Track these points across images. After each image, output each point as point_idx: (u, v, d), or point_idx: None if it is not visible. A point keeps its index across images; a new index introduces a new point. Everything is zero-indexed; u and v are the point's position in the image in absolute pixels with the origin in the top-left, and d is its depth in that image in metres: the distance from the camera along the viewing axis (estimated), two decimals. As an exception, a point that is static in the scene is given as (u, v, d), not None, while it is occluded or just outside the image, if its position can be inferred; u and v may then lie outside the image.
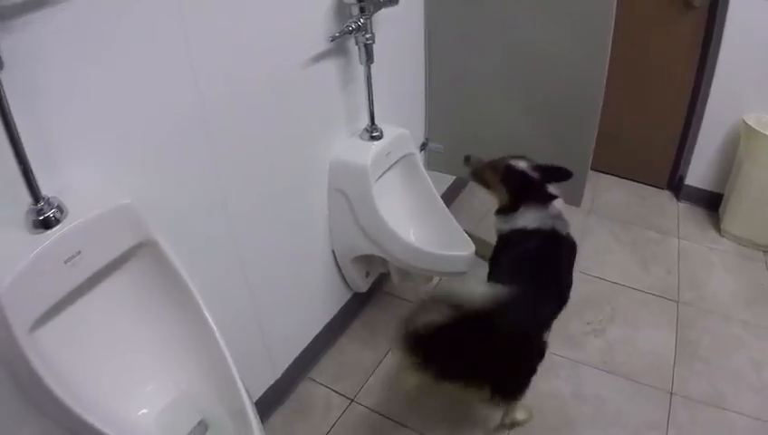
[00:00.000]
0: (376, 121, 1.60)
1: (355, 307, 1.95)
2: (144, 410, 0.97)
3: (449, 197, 2.46)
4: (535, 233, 1.53)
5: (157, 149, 1.06)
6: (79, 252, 0.86)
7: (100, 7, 0.88)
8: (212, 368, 0.96)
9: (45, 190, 0.86)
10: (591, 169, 2.67)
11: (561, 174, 1.58)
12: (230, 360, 0.94)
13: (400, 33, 1.75)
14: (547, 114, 1.83)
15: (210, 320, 0.96)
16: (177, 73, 1.06)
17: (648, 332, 1.91)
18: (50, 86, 0.86)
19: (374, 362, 1.81)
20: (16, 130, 0.78)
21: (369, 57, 1.48)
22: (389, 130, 1.63)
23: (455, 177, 2.39)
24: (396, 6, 1.48)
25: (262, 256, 1.43)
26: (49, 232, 0.84)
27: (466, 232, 1.72)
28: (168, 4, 1.00)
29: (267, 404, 1.59)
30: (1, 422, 0.90)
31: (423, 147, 2.12)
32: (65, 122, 0.90)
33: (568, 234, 1.58)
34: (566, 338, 1.86)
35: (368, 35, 1.43)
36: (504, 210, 1.63)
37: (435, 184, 1.83)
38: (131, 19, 0.94)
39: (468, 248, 1.66)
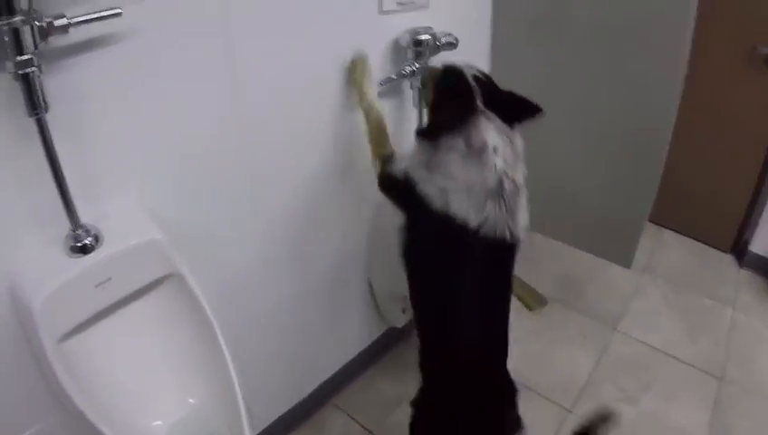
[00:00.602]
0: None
1: (389, 341, 1.82)
2: (158, 422, 0.94)
3: None
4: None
5: (195, 182, 1.03)
6: (109, 278, 0.85)
7: (144, 47, 0.85)
8: (222, 390, 0.91)
9: (86, 216, 0.85)
10: (654, 222, 2.48)
11: (520, 107, 1.02)
12: (237, 386, 0.88)
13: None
14: (609, 161, 1.61)
15: (225, 349, 0.90)
16: (218, 112, 1.02)
17: (683, 407, 1.65)
18: (93, 121, 0.85)
19: (400, 398, 1.63)
20: (59, 165, 0.78)
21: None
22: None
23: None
24: (455, 50, 1.37)
25: (298, 279, 1.36)
26: (85, 258, 0.83)
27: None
28: (213, 47, 0.96)
29: (285, 424, 1.52)
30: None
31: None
32: (107, 154, 0.89)
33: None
34: (596, 401, 1.65)
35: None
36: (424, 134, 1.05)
37: None
38: (175, 58, 0.91)
39: None
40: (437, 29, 1.38)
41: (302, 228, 1.32)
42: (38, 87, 0.71)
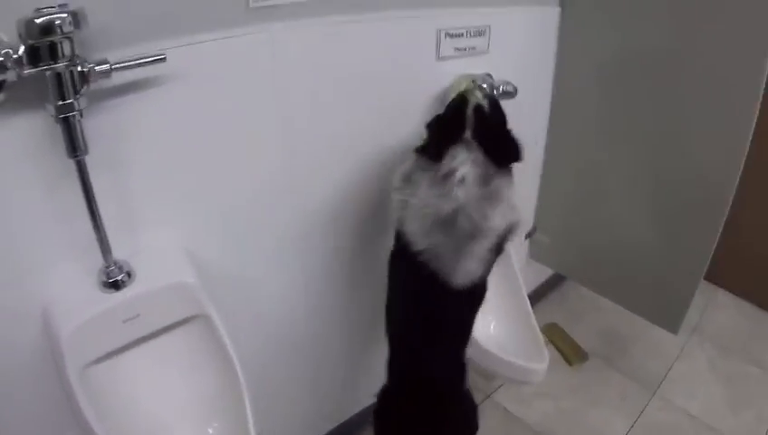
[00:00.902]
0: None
1: None
2: None
3: (546, 288, 2.11)
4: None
5: (237, 226, 0.99)
6: (138, 315, 0.81)
7: (191, 91, 0.82)
8: (237, 428, 0.86)
9: (122, 250, 0.82)
10: (709, 281, 2.24)
11: (505, 148, 0.94)
12: (251, 426, 0.84)
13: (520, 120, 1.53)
14: (664, 219, 1.46)
15: (245, 390, 0.86)
16: (263, 154, 0.96)
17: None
18: (133, 159, 0.81)
19: None
20: (96, 205, 0.75)
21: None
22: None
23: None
24: (513, 98, 1.26)
25: (330, 325, 1.30)
26: (116, 294, 0.80)
27: (557, 327, 1.41)
28: (264, 94, 0.91)
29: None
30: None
31: (529, 235, 1.82)
32: (146, 192, 0.85)
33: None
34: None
35: (472, 129, 1.25)
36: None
37: (536, 272, 1.57)
38: (224, 105, 0.87)
39: (542, 361, 1.33)
40: (497, 76, 1.29)
41: (341, 284, 1.26)
42: (78, 130, 0.68)
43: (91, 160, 0.73)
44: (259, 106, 0.92)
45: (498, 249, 0.93)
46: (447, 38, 1.16)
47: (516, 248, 1.78)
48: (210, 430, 0.92)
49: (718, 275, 2.14)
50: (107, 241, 0.79)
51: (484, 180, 0.89)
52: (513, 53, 1.37)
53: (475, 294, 0.95)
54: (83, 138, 0.69)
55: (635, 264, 1.57)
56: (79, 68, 0.64)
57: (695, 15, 1.21)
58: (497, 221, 0.88)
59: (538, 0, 1.40)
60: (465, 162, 0.89)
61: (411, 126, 1.19)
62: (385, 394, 1.08)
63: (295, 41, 0.91)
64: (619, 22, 1.37)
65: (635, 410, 1.67)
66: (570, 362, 1.81)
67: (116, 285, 0.80)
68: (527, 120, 1.55)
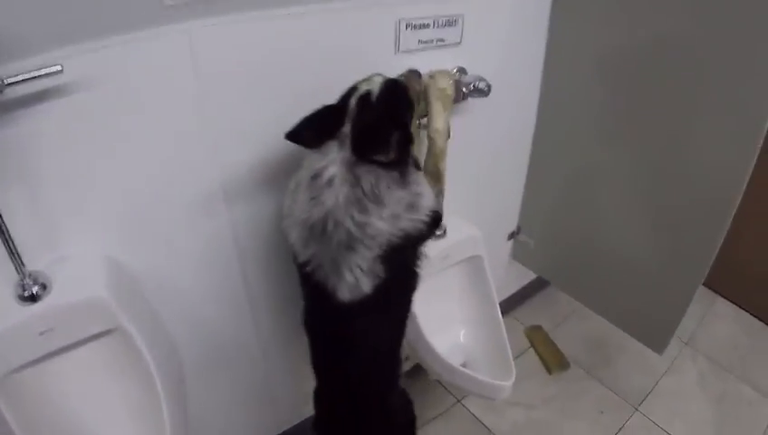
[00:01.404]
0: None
1: None
2: None
3: (532, 289, 2.03)
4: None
5: (156, 228, 0.96)
6: (52, 329, 0.81)
7: (101, 98, 0.79)
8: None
9: (40, 260, 0.83)
10: (709, 287, 2.13)
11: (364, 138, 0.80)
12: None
13: (497, 115, 1.42)
14: (660, 228, 1.37)
15: (163, 400, 0.86)
16: (182, 157, 0.92)
17: None
18: (43, 170, 0.79)
19: None
20: (2, 221, 0.74)
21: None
22: (455, 230, 1.34)
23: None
24: (486, 97, 1.19)
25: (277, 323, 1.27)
26: (32, 306, 0.80)
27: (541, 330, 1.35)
28: (181, 89, 0.86)
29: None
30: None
31: (512, 235, 1.77)
32: (61, 202, 0.84)
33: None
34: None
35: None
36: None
37: (522, 272, 1.49)
38: (130, 106, 0.83)
39: (509, 378, 1.28)
40: (473, 71, 1.22)
41: (282, 284, 1.20)
42: None
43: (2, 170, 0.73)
44: (177, 110, 0.88)
45: (399, 256, 0.83)
46: (409, 29, 1.08)
47: (494, 250, 1.74)
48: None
49: (718, 282, 2.04)
50: (18, 255, 0.79)
51: (355, 180, 0.80)
52: (492, 45, 1.28)
53: (379, 306, 0.84)
54: None
55: (623, 274, 1.50)
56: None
57: (708, 4, 1.09)
58: (380, 227, 0.80)
59: (525, -15, 1.29)
60: (334, 161, 0.80)
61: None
62: (316, 392, 1.05)
63: (219, 39, 0.86)
64: (622, 10, 1.25)
65: (613, 427, 1.62)
66: (549, 370, 1.77)
67: (32, 298, 0.80)
68: (511, 115, 1.49)
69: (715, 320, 2.03)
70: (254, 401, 1.36)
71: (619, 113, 1.35)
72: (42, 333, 0.81)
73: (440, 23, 1.13)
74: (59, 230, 0.86)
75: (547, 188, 1.62)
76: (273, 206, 1.07)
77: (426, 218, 0.85)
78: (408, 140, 0.82)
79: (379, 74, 0.90)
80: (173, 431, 0.87)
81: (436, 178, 1.02)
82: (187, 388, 1.14)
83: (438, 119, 1.00)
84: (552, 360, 1.78)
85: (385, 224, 0.80)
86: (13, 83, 0.67)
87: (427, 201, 0.87)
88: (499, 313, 1.39)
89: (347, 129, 0.82)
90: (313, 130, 0.82)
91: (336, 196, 0.79)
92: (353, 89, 0.86)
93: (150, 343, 0.89)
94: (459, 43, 1.19)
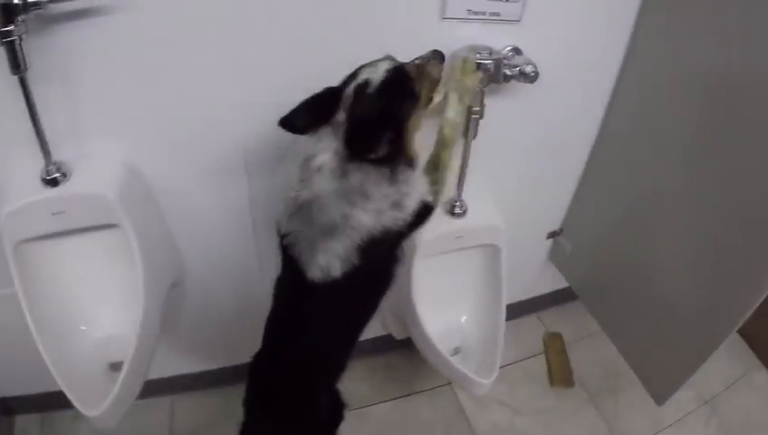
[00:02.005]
0: (466, 199, 1.29)
1: (385, 348, 1.69)
2: (83, 327, 1.09)
3: (565, 295, 1.86)
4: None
5: (178, 143, 1.05)
6: (64, 211, 0.95)
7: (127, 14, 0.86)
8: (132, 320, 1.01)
9: (69, 153, 0.96)
10: (756, 353, 1.89)
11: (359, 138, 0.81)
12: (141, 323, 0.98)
13: (556, 107, 1.31)
14: (703, 270, 1.21)
15: (144, 291, 0.99)
16: (210, 74, 0.98)
17: None
18: (80, 75, 0.91)
19: (364, 400, 1.63)
20: (37, 115, 0.88)
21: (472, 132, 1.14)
22: (477, 214, 1.31)
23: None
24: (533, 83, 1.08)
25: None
26: (51, 190, 0.94)
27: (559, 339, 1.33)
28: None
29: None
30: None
31: (552, 235, 1.67)
32: (93, 104, 0.95)
33: None
34: None
35: (475, 108, 1.09)
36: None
37: (554, 277, 1.47)
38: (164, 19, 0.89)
39: (489, 376, 1.26)
40: (530, 53, 1.12)
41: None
42: (20, 53, 0.80)
43: (41, 74, 0.86)
44: (207, 34, 0.93)
45: (376, 249, 0.85)
46: (457, -5, 1.01)
47: (530, 245, 1.68)
48: (115, 319, 1.08)
49: (765, 349, 1.80)
50: (47, 145, 0.92)
51: (343, 173, 0.82)
52: (559, 30, 1.16)
53: (343, 296, 0.88)
54: (24, 59, 0.81)
55: (651, 308, 1.36)
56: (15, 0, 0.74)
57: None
58: (363, 220, 0.82)
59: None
60: (326, 149, 0.82)
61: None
62: (254, 358, 1.06)
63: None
64: (733, 27, 1.05)
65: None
66: (551, 382, 1.70)
67: (53, 182, 0.94)
68: (572, 111, 1.37)
69: (748, 388, 1.78)
70: (250, 313, 1.48)
71: (700, 137, 1.17)
72: (54, 214, 0.95)
73: (496, -7, 1.05)
74: (88, 130, 0.98)
75: (598, 197, 1.49)
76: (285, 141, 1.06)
77: (408, 217, 0.86)
78: (401, 139, 0.83)
79: (389, 59, 0.88)
80: (144, 320, 0.99)
81: (436, 166, 1.00)
82: (187, 293, 1.31)
83: (451, 109, 0.98)
84: (558, 373, 1.71)
85: (368, 217, 0.83)
86: (45, 2, 0.77)
87: (413, 201, 0.88)
88: (503, 310, 1.35)
89: (341, 117, 0.83)
90: (309, 115, 0.83)
91: (324, 184, 0.83)
92: (355, 74, 0.85)
93: (146, 244, 1.01)
94: (519, 20, 1.09)
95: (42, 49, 0.84)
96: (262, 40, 0.96)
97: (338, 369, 1.04)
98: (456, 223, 1.30)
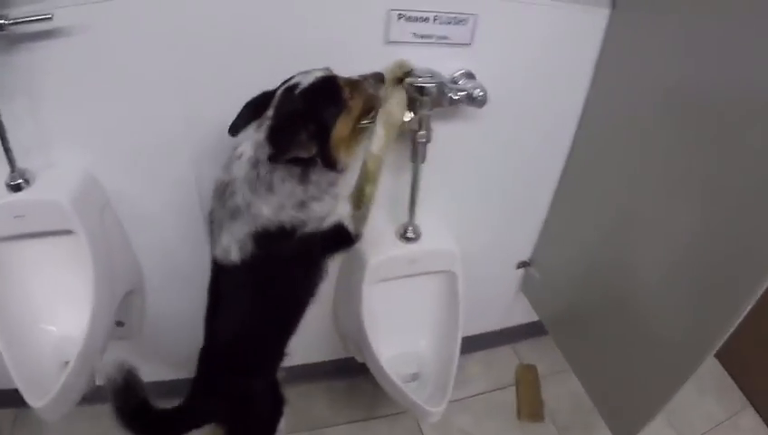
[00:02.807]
0: (420, 224, 1.33)
1: (350, 370, 1.66)
2: (42, 326, 1.16)
3: (540, 329, 1.77)
4: None
5: (136, 155, 1.14)
6: (23, 215, 1.05)
7: (100, 40, 0.97)
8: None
9: (34, 162, 1.06)
10: (743, 392, 1.82)
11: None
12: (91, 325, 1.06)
13: (518, 133, 1.35)
14: (678, 300, 1.18)
15: (94, 300, 1.06)
16: (164, 91, 1.06)
17: None
18: (45, 89, 1.01)
19: (322, 421, 1.67)
20: (2, 125, 0.98)
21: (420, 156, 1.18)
22: (433, 239, 1.34)
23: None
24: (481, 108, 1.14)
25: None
26: (14, 194, 1.04)
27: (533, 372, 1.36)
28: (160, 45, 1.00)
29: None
30: None
31: (522, 265, 1.67)
32: (58, 118, 1.05)
33: None
34: None
35: (420, 132, 1.14)
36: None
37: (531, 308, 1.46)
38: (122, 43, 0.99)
39: (438, 405, 1.27)
40: (482, 76, 1.17)
41: None
42: None
43: (8, 89, 0.97)
44: (157, 61, 1.02)
45: (275, 244, 0.92)
46: (402, 20, 1.07)
47: (501, 275, 1.68)
48: (73, 320, 1.13)
49: (754, 391, 1.72)
50: (11, 153, 1.02)
51: (255, 164, 0.89)
52: (516, 54, 1.20)
53: (248, 283, 0.96)
54: None
55: (616, 341, 1.35)
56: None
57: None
58: (262, 210, 0.90)
59: (574, -5, 1.18)
60: (249, 139, 0.91)
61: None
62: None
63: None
64: (706, 40, 1.04)
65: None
66: (519, 415, 1.67)
67: (16, 188, 1.04)
68: (538, 138, 1.39)
69: (733, 431, 1.71)
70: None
71: (677, 161, 1.15)
72: (15, 217, 1.05)
73: (443, 19, 1.09)
74: (52, 141, 1.08)
75: (567, 228, 1.51)
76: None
77: (312, 222, 0.92)
78: (322, 142, 0.90)
79: (324, 69, 0.95)
80: (92, 321, 1.07)
81: (359, 200, 1.05)
82: (148, 300, 1.40)
83: (376, 143, 1.03)
84: (527, 406, 1.69)
85: (267, 209, 0.90)
86: (11, 24, 0.88)
87: (323, 208, 0.94)
88: (458, 339, 1.37)
89: (269, 113, 0.92)
90: (248, 115, 0.94)
91: (239, 170, 0.92)
92: (289, 79, 0.94)
93: (100, 250, 1.10)
94: (469, 44, 1.15)
95: (8, 66, 0.95)
96: (206, 61, 1.04)
97: (265, 357, 1.11)
98: (409, 247, 1.34)
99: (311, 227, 0.93)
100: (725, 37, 0.98)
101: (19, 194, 1.04)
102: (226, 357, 1.05)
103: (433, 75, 1.11)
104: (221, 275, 0.97)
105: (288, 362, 1.64)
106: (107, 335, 1.16)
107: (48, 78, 1.00)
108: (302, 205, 0.91)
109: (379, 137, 1.04)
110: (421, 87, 1.09)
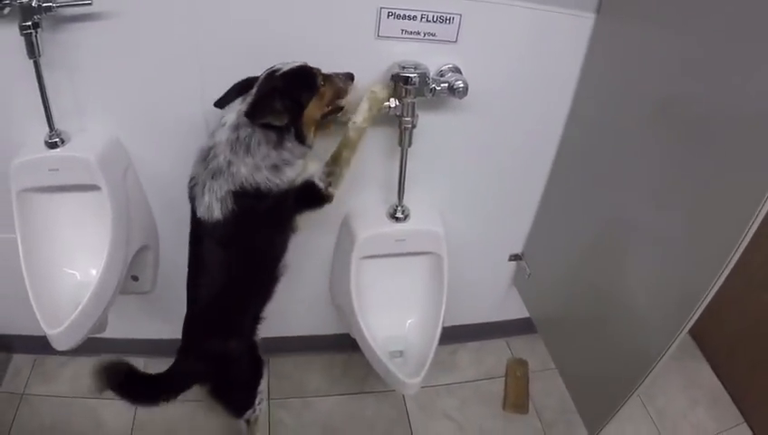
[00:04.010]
0: (409, 205, 1.46)
1: (347, 346, 1.71)
2: (66, 269, 1.34)
3: (525, 327, 1.87)
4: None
5: (156, 125, 1.31)
6: (57, 169, 1.25)
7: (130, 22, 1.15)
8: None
9: (71, 125, 1.26)
10: (740, 410, 1.83)
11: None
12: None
13: (509, 126, 1.45)
14: (650, 295, 1.23)
15: (116, 245, 1.26)
16: (184, 72, 1.23)
17: None
18: (83, 64, 1.20)
19: (313, 391, 1.78)
20: (45, 91, 1.17)
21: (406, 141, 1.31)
22: (419, 221, 1.47)
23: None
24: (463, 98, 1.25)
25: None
26: (50, 151, 1.24)
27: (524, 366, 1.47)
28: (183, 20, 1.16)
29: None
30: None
31: (515, 258, 1.76)
32: (93, 87, 1.24)
33: None
34: None
35: (406, 119, 1.27)
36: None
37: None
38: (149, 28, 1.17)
39: (414, 378, 1.36)
40: (471, 73, 1.28)
41: None
42: (35, 43, 1.10)
43: (52, 62, 1.16)
44: (181, 47, 1.21)
45: (252, 202, 1.06)
46: (392, 18, 1.21)
47: (493, 268, 1.76)
48: (85, 269, 1.34)
49: (749, 406, 1.71)
50: (51, 116, 1.22)
51: (236, 128, 1.05)
52: (501, 51, 1.32)
53: (229, 240, 1.10)
54: (38, 48, 1.11)
55: (599, 341, 1.40)
56: (33, 3, 1.06)
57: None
58: (240, 169, 1.05)
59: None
60: (232, 110, 1.08)
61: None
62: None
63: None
64: (692, 46, 1.07)
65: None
66: (504, 405, 1.73)
67: (52, 145, 1.24)
68: (526, 131, 1.49)
69: None
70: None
71: (668, 167, 1.15)
72: (50, 170, 1.25)
73: (430, 17, 1.23)
74: (87, 109, 1.28)
75: (557, 222, 1.58)
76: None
77: (284, 185, 1.07)
78: (295, 118, 1.06)
79: (302, 62, 1.12)
80: (106, 267, 1.25)
81: (336, 160, 1.20)
82: (160, 254, 1.58)
83: (360, 115, 1.20)
84: (513, 397, 1.74)
85: (245, 169, 1.05)
86: (55, 7, 1.07)
87: (293, 172, 1.09)
88: (440, 320, 1.47)
89: (253, 91, 1.09)
90: (234, 94, 1.12)
91: (222, 135, 1.08)
92: (273, 66, 1.11)
93: (119, 205, 1.28)
94: (455, 41, 1.27)
95: (53, 41, 1.14)
96: (217, 47, 1.21)
97: (243, 317, 1.25)
98: (397, 226, 1.46)
99: (282, 187, 1.08)
100: (711, 43, 1.02)
101: (55, 151, 1.24)
102: (206, 319, 1.20)
103: (417, 67, 1.24)
104: (204, 235, 1.12)
105: (288, 332, 1.81)
106: (120, 282, 1.34)
107: (85, 54, 1.19)
108: (275, 168, 1.07)
109: (363, 110, 1.20)
110: (406, 77, 1.23)
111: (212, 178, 1.07)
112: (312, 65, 1.13)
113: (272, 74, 1.08)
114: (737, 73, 0.97)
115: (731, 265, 0.99)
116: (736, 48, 0.97)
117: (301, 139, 1.09)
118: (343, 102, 1.19)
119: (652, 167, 1.21)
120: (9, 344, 1.78)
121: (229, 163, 1.05)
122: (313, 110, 1.11)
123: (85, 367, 1.72)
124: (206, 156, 1.09)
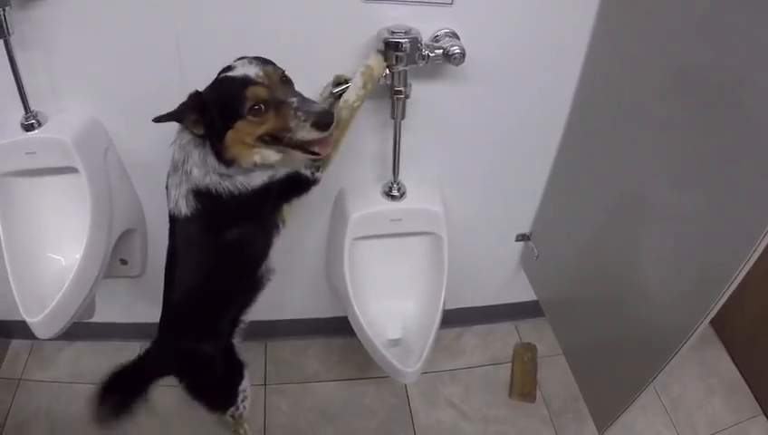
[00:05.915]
0: (406, 182, 1.41)
1: (348, 331, 1.65)
2: (50, 254, 1.36)
3: (534, 310, 1.80)
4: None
5: (136, 105, 1.23)
6: (34, 152, 1.24)
7: None
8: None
9: (46, 106, 1.24)
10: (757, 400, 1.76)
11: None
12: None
13: (511, 97, 1.38)
14: (670, 288, 1.15)
15: (91, 235, 1.24)
16: (161, 46, 1.20)
17: None
18: (56, 41, 1.17)
19: (313, 376, 1.79)
20: (18, 72, 1.15)
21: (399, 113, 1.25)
22: (416, 199, 1.42)
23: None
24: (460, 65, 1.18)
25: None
26: (27, 133, 1.23)
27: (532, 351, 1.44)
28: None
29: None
30: None
31: (522, 238, 1.70)
32: (67, 66, 1.22)
33: None
34: None
35: (398, 88, 1.21)
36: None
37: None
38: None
39: (412, 366, 1.34)
40: (470, 39, 1.21)
41: None
42: (3, 20, 1.07)
43: (26, 40, 1.14)
44: (158, 21, 1.16)
45: (211, 204, 1.02)
46: (378, -22, 1.14)
47: (500, 248, 1.72)
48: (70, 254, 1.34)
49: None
50: (26, 98, 1.21)
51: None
52: (503, 16, 1.23)
53: (198, 237, 1.07)
54: (7, 26, 1.08)
55: (610, 328, 1.35)
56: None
57: None
58: (192, 171, 1.01)
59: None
60: None
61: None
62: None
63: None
64: (709, 15, 0.96)
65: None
66: (509, 393, 1.70)
67: (29, 127, 1.23)
68: (532, 103, 1.41)
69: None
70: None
71: (686, 140, 1.06)
72: (27, 153, 1.24)
73: (420, -25, 1.16)
74: (63, 89, 1.26)
75: (565, 202, 1.52)
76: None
77: (245, 188, 1.01)
78: (207, 126, 0.97)
79: (260, 65, 0.97)
80: (87, 251, 1.25)
81: None
82: (148, 237, 1.58)
83: (354, 93, 1.13)
84: (519, 384, 1.71)
85: (196, 171, 1.01)
86: None
87: (248, 180, 1.02)
88: (441, 303, 1.43)
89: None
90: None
91: (181, 134, 1.05)
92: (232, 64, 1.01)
93: (99, 187, 1.27)
94: (450, 3, 1.19)
95: (25, 20, 1.12)
96: (193, 24, 1.17)
97: (219, 319, 1.23)
98: (393, 205, 1.41)
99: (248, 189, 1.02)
100: (731, 11, 0.92)
101: (31, 133, 1.23)
102: (178, 316, 1.19)
103: (407, 32, 1.17)
104: (177, 231, 1.09)
105: (285, 315, 1.80)
106: (103, 266, 1.34)
107: (59, 31, 1.16)
108: (223, 175, 1.00)
109: (357, 87, 1.13)
110: (396, 43, 1.16)
111: (174, 172, 1.05)
112: (275, 68, 0.99)
113: (218, 76, 0.99)
114: (763, 37, 0.87)
115: (761, 248, 0.89)
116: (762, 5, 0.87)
117: (222, 159, 0.98)
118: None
119: (672, 139, 1.12)
120: (7, 330, 1.82)
121: (183, 161, 1.02)
122: (239, 134, 0.96)
123: (82, 352, 1.76)
124: (174, 154, 1.06)
